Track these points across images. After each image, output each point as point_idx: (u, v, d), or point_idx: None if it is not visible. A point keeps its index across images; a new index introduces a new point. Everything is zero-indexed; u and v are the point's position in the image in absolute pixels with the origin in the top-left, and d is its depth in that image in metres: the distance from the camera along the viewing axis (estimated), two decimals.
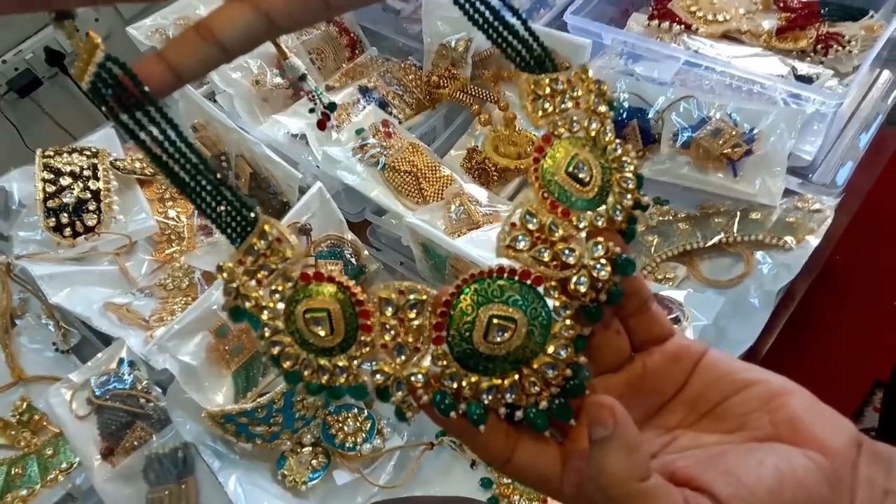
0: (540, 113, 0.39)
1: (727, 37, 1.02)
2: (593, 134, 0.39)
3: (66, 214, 0.97)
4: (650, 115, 0.92)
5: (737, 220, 0.85)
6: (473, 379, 0.37)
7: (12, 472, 0.85)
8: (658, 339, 0.38)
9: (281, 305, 0.38)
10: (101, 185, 1.00)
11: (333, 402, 0.81)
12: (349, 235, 0.93)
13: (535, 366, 0.37)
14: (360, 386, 0.38)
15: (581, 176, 0.37)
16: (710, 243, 0.84)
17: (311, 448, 0.79)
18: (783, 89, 0.88)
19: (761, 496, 0.31)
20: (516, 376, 0.37)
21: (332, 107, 0.60)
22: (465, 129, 1.06)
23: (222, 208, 0.41)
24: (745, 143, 0.86)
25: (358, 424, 0.79)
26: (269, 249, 0.39)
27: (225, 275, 0.39)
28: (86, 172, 1.00)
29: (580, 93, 0.39)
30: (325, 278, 0.38)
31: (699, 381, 0.37)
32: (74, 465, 0.86)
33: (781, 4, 1.03)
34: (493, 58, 1.05)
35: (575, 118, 0.39)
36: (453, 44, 1.05)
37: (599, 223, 0.37)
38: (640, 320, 0.38)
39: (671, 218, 0.89)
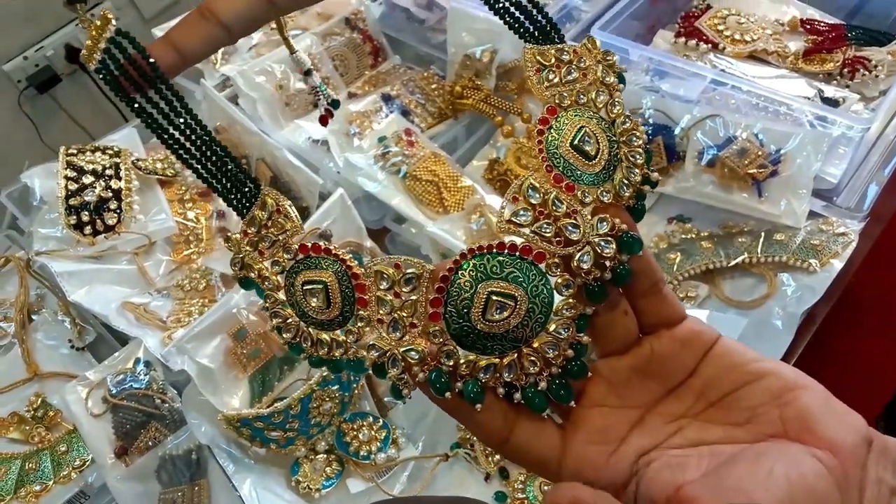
0: (545, 84, 0.37)
1: (754, 57, 1.02)
2: (601, 106, 0.38)
3: (87, 212, 0.97)
4: (676, 133, 0.91)
5: (761, 240, 0.84)
6: (471, 357, 0.36)
7: (26, 467, 0.85)
8: (669, 322, 0.36)
9: (282, 277, 0.38)
10: (122, 184, 1.00)
11: (350, 410, 0.81)
12: (368, 242, 0.93)
13: (536, 345, 0.36)
14: (358, 361, 0.37)
15: (587, 149, 0.36)
16: (733, 263, 0.84)
17: (325, 455, 0.79)
18: (810, 111, 0.87)
19: None
20: (515, 355, 0.36)
21: (335, 104, 0.60)
22: (487, 140, 1.06)
23: (228, 182, 0.40)
24: (771, 164, 0.85)
25: (373, 433, 0.79)
26: (269, 220, 0.38)
27: (231, 245, 0.39)
28: (108, 171, 1.00)
29: (588, 63, 0.38)
30: (322, 250, 0.37)
31: (709, 369, 0.35)
32: (87, 463, 0.85)
33: (809, 27, 1.03)
34: (518, 69, 1.05)
35: (581, 89, 0.37)
36: (478, 55, 1.06)
37: (606, 199, 0.36)
38: (650, 302, 0.36)
39: (694, 236, 0.89)
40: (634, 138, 0.38)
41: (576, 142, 0.36)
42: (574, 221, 0.35)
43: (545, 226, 0.35)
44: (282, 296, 0.38)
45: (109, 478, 0.79)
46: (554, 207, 0.35)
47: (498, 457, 0.77)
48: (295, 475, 0.76)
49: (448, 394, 0.35)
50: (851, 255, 0.79)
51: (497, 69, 1.05)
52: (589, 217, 0.35)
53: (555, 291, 0.35)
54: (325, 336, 0.37)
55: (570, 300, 0.35)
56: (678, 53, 1.04)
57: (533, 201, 0.35)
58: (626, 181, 0.37)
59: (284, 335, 0.38)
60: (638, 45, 1.01)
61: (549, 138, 0.36)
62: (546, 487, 0.74)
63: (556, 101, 0.37)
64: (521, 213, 0.35)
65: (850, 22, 1.04)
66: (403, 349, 0.36)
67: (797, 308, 0.75)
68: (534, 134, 0.37)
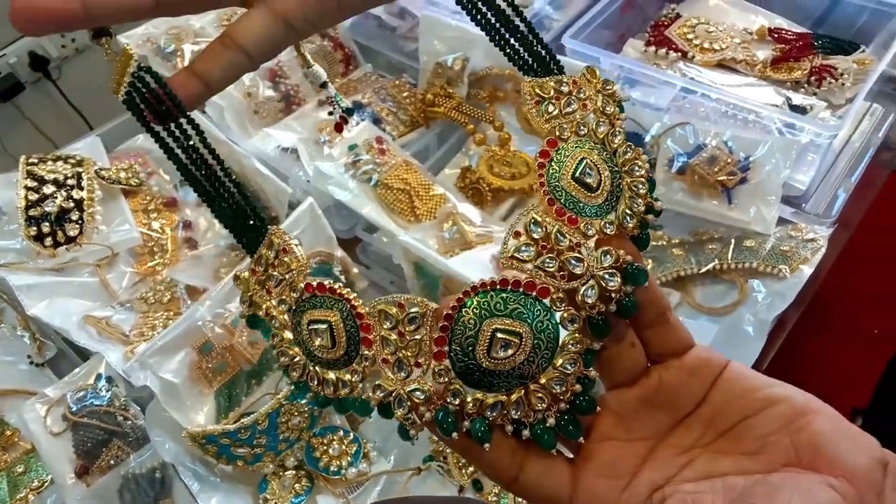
0: (545, 116, 0.37)
1: (722, 66, 1.03)
2: (601, 136, 0.38)
3: (47, 224, 0.94)
4: (646, 140, 0.91)
5: (731, 247, 0.84)
6: (478, 395, 0.36)
7: None
8: (676, 351, 0.36)
9: (288, 316, 0.38)
10: (84, 194, 0.97)
11: (320, 424, 0.79)
12: (339, 252, 0.91)
13: (543, 381, 0.36)
14: (362, 401, 0.37)
15: (588, 181, 0.36)
16: (703, 269, 0.84)
17: (293, 471, 0.77)
18: (779, 119, 0.88)
19: None
20: (522, 392, 0.36)
21: (349, 111, 0.59)
22: (458, 148, 1.05)
23: (239, 218, 0.40)
24: (740, 171, 0.86)
25: (343, 447, 0.77)
26: (276, 259, 0.39)
27: (240, 284, 0.40)
28: (70, 181, 0.97)
29: (588, 94, 0.38)
30: (327, 290, 0.37)
31: (718, 397, 0.35)
32: (46, 484, 0.82)
33: (776, 35, 1.04)
34: (490, 77, 1.05)
35: (581, 120, 0.38)
36: (450, 63, 1.05)
37: (609, 231, 0.36)
38: (657, 332, 0.36)
39: (665, 243, 0.89)
40: (637, 168, 0.37)
41: (577, 174, 0.36)
42: (577, 255, 0.35)
43: (548, 260, 0.35)
44: (289, 335, 0.38)
45: (69, 499, 0.77)
46: (556, 241, 0.35)
47: (472, 468, 0.76)
48: (263, 493, 0.74)
49: (455, 434, 0.35)
50: (821, 260, 0.79)
51: (469, 77, 1.05)
52: (592, 250, 0.35)
53: (560, 326, 0.35)
54: (330, 375, 0.37)
55: (576, 335, 0.35)
56: (648, 62, 1.04)
57: (535, 236, 0.35)
58: (629, 212, 0.36)
59: (292, 374, 0.38)
60: (608, 53, 1.02)
61: (550, 171, 0.36)
62: (520, 501, 0.73)
63: (557, 134, 0.37)
64: (524, 248, 0.35)
65: (817, 31, 1.06)
66: (409, 389, 0.36)
67: (768, 314, 0.75)
68: (535, 167, 0.37)
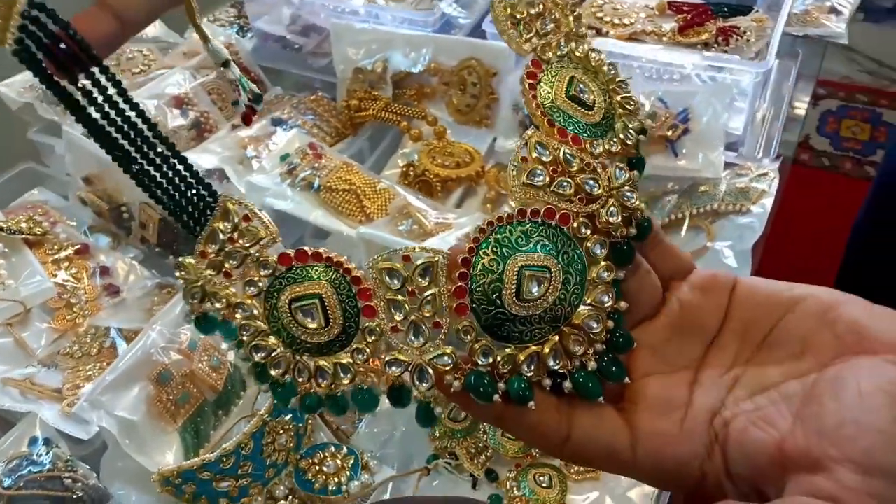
0: (524, 37, 0.36)
1: (633, 39, 1.06)
2: (582, 56, 0.36)
3: None
4: None
5: (688, 196, 0.85)
6: (508, 350, 0.31)
7: None
8: (682, 271, 0.34)
9: (259, 300, 0.31)
10: None
11: (305, 445, 0.71)
12: None
13: (577, 321, 0.32)
14: (367, 391, 0.32)
15: (584, 98, 0.34)
16: (666, 220, 0.84)
17: (286, 501, 0.67)
18: (704, 68, 0.91)
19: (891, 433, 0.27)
20: (557, 338, 0.32)
21: (257, 99, 0.54)
22: (393, 150, 1.02)
23: (175, 191, 0.33)
24: (681, 123, 0.88)
25: (339, 462, 0.69)
26: (236, 232, 0.32)
27: (184, 273, 0.32)
28: None
29: (558, 16, 0.37)
30: (311, 256, 0.32)
31: (742, 310, 0.33)
32: None
33: (675, 8, 1.09)
34: (412, 76, 1.03)
35: (559, 41, 0.36)
36: (370, 66, 1.02)
37: (614, 148, 0.34)
38: (660, 253, 0.34)
39: None
40: (624, 86, 0.36)
41: (571, 92, 0.34)
42: (593, 175, 0.32)
43: (564, 183, 0.32)
44: (261, 324, 0.31)
45: None
46: (567, 164, 0.32)
47: (483, 458, 0.70)
48: None
49: (497, 396, 0.30)
50: (778, 188, 0.81)
51: (391, 78, 1.02)
52: (601, 169, 0.33)
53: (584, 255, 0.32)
54: (325, 363, 0.31)
55: (607, 262, 0.32)
56: None
57: (544, 159, 0.32)
58: (628, 129, 0.34)
59: (273, 372, 0.31)
60: None
61: (543, 92, 0.34)
62: (541, 478, 0.68)
63: (539, 54, 0.35)
64: (537, 171, 0.32)
65: (709, 1, 1.12)
66: (431, 356, 0.31)
67: (745, 244, 0.76)
68: (525, 89, 0.34)
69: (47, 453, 0.69)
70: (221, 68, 0.61)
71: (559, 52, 0.35)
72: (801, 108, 1.00)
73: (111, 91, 0.32)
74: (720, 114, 0.86)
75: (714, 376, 0.33)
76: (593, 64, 0.36)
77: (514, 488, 0.68)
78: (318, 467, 0.69)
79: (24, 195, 1.02)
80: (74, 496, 0.68)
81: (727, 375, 0.33)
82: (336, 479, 0.68)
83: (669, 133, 0.87)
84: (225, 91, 1.11)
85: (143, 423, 0.66)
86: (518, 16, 0.36)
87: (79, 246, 0.94)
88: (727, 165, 0.88)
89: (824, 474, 0.26)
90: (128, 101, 0.33)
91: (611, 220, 0.31)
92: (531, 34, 0.36)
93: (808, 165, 2.18)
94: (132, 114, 0.33)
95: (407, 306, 0.31)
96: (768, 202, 0.80)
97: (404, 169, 0.95)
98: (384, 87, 1.02)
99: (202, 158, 0.97)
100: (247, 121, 0.64)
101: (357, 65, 1.03)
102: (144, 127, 0.33)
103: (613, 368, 0.32)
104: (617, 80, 0.36)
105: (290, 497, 0.68)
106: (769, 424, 0.30)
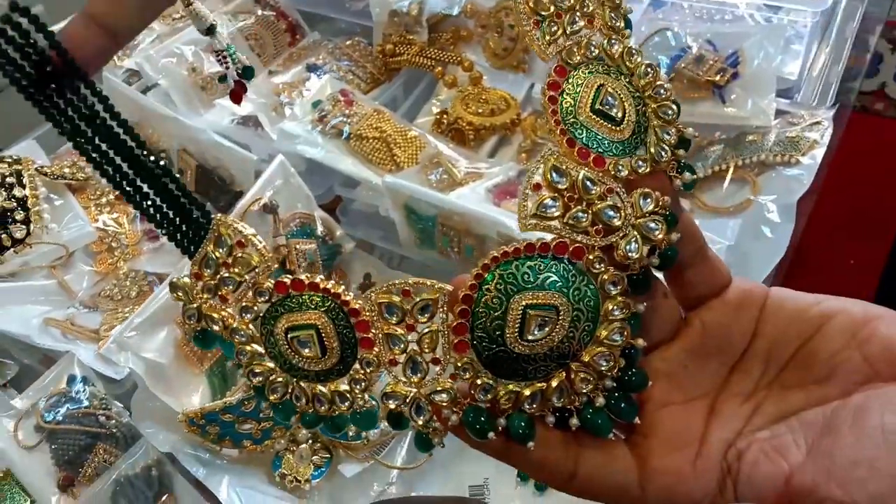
0: (547, 38, 0.31)
1: None
2: (616, 57, 0.31)
3: None
4: None
5: (734, 146, 0.80)
6: (511, 387, 0.30)
7: None
8: (717, 289, 0.31)
9: (256, 326, 0.31)
10: (27, 191, 0.88)
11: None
12: (319, 212, 0.84)
13: (586, 358, 0.30)
14: (368, 413, 0.31)
15: (612, 112, 0.30)
16: (709, 172, 0.79)
17: (307, 444, 0.69)
18: (761, 6, 0.85)
19: None
20: (563, 375, 0.30)
21: (248, 73, 0.51)
22: (427, 96, 0.99)
23: (170, 208, 0.33)
24: (730, 67, 0.82)
25: None
26: (230, 258, 0.31)
27: (181, 294, 0.32)
28: (8, 180, 0.88)
29: (592, 7, 0.32)
30: (307, 286, 0.31)
31: (770, 328, 0.30)
32: None
33: None
34: (449, 19, 0.99)
35: (590, 40, 0.31)
36: (405, 8, 0.99)
37: (642, 169, 0.30)
38: (697, 271, 0.31)
39: None
40: (662, 91, 0.32)
41: (597, 105, 0.30)
42: (613, 203, 0.29)
43: (580, 214, 0.29)
44: (258, 348, 0.31)
45: None
46: (585, 190, 0.29)
47: None
48: (277, 469, 0.66)
49: (491, 434, 0.29)
50: (831, 140, 0.75)
51: (427, 20, 0.99)
52: (626, 195, 0.30)
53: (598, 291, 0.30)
54: (322, 389, 0.31)
55: (621, 298, 0.30)
56: None
57: (560, 186, 0.29)
58: (661, 144, 0.31)
59: (271, 396, 0.31)
60: None
61: (564, 105, 0.30)
62: None
63: (565, 59, 0.31)
64: (549, 203, 0.29)
65: None
66: (429, 391, 0.30)
67: (790, 198, 0.71)
68: (546, 103, 0.31)
69: (84, 391, 0.72)
70: (206, 36, 0.59)
71: (589, 54, 0.31)
72: (868, 52, 0.92)
73: (98, 107, 0.32)
74: (773, 57, 0.80)
75: (734, 405, 0.31)
76: (628, 66, 0.32)
77: None
78: None
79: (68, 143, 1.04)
80: (108, 432, 0.71)
81: (748, 403, 0.30)
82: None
83: (717, 78, 0.82)
84: (262, 37, 1.10)
85: (170, 366, 0.67)
86: (543, 12, 0.31)
87: None
88: (779, 113, 0.82)
89: None
90: (115, 117, 0.32)
91: (630, 254, 0.29)
92: (557, 33, 0.31)
93: (885, 115, 2.04)
94: (122, 132, 0.32)
95: (405, 341, 0.30)
96: (819, 153, 0.74)
97: (438, 117, 0.93)
98: (420, 30, 0.99)
99: (236, 105, 0.96)
100: (236, 99, 0.62)
101: (393, 7, 1.00)
102: (134, 144, 0.32)
103: (623, 405, 0.30)
104: (656, 84, 0.32)
105: (312, 441, 0.69)
106: (781, 455, 0.28)
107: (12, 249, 0.84)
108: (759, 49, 0.81)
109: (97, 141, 0.31)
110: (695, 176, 0.32)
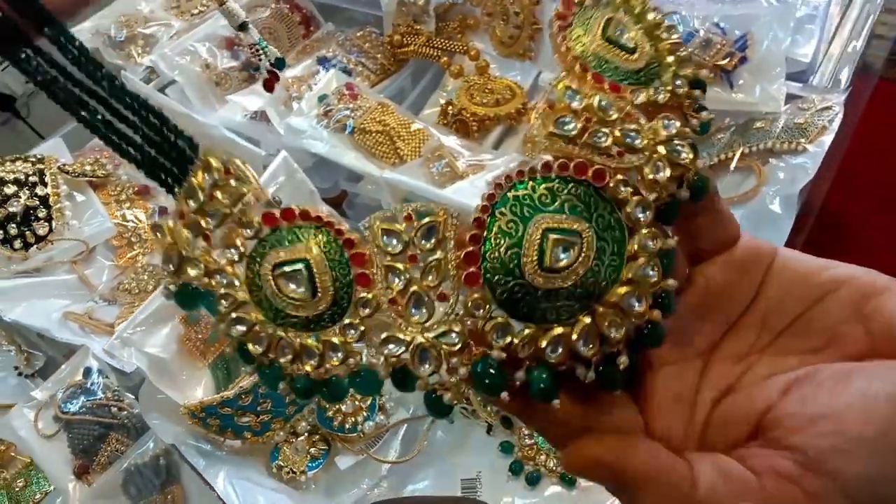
0: None
1: None
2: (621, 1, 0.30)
3: (14, 225, 0.88)
4: None
5: (741, 132, 0.78)
6: (529, 331, 0.25)
7: None
8: (727, 242, 0.29)
9: (241, 267, 0.27)
10: (49, 190, 0.91)
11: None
12: (324, 207, 0.85)
13: (613, 299, 0.26)
14: (365, 375, 0.26)
15: (623, 41, 0.28)
16: (715, 160, 0.77)
17: (306, 436, 0.71)
18: None
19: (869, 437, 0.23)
20: (589, 318, 0.26)
21: (280, 63, 0.51)
22: (435, 85, 0.99)
23: (152, 146, 0.30)
24: (738, 51, 0.79)
25: (357, 402, 0.71)
26: (216, 187, 0.27)
27: (161, 235, 0.27)
28: (31, 179, 0.92)
29: None
30: (299, 215, 0.27)
31: (772, 291, 0.29)
32: (49, 493, 0.77)
33: None
34: (457, 6, 0.99)
35: None
36: None
37: (661, 98, 0.27)
38: (708, 220, 0.28)
39: None
40: (672, 30, 0.30)
41: (609, 34, 0.28)
42: (635, 126, 0.26)
43: (600, 133, 0.26)
44: (242, 294, 0.27)
45: (73, 502, 0.71)
46: (603, 112, 0.26)
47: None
48: (275, 461, 0.68)
49: (504, 393, 0.25)
50: (840, 127, 0.72)
51: (435, 10, 0.98)
52: (645, 120, 0.27)
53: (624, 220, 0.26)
54: (311, 341, 0.26)
55: (652, 228, 0.26)
56: None
57: (575, 105, 0.26)
58: (679, 77, 0.28)
59: (253, 348, 0.27)
60: None
61: (575, 34, 0.28)
62: None
63: None
64: (567, 120, 0.26)
65: None
66: (434, 334, 0.26)
67: (793, 189, 0.69)
68: (554, 32, 0.28)
69: (98, 383, 0.76)
70: (238, 31, 0.60)
71: None
72: (891, 25, 0.88)
73: (71, 48, 0.30)
74: (782, 40, 0.77)
75: (727, 366, 0.29)
76: (636, 7, 0.30)
77: (527, 437, 0.68)
78: (338, 405, 0.71)
79: (93, 139, 1.08)
80: (121, 423, 0.74)
81: (738, 365, 0.29)
82: (353, 419, 0.70)
83: (725, 62, 0.80)
84: (277, 30, 1.11)
85: (173, 361, 0.70)
86: None
87: (139, 187, 1.00)
88: (791, 98, 0.79)
89: (771, 452, 0.24)
90: (87, 57, 0.30)
91: (657, 177, 0.25)
92: None
93: None
94: (95, 70, 0.30)
95: (408, 274, 0.27)
96: (827, 140, 0.71)
97: (444, 107, 0.92)
98: (427, 19, 0.98)
99: (247, 100, 0.98)
100: (269, 87, 0.63)
101: None
102: (106, 83, 0.30)
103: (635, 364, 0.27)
104: (664, 25, 0.30)
105: (311, 432, 0.71)
106: (760, 393, 0.27)
107: (35, 246, 0.88)
108: (769, 31, 0.78)
109: (70, 87, 0.30)
110: (712, 116, 0.29)
